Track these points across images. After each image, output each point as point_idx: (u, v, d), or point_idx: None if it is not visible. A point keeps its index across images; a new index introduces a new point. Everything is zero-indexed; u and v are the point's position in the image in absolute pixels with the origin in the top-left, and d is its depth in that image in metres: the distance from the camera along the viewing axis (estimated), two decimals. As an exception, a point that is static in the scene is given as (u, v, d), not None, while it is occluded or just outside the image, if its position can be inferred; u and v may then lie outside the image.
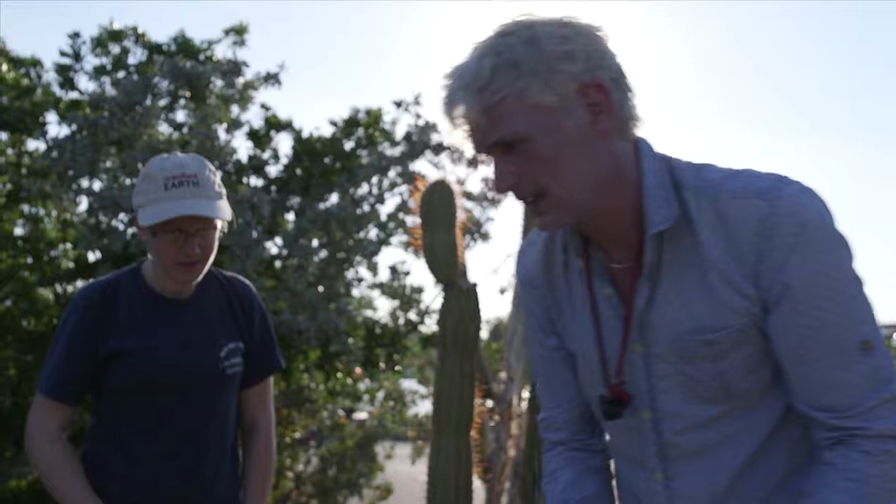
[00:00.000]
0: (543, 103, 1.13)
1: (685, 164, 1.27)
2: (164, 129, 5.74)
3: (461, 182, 6.11)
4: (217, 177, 2.06)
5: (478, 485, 4.01)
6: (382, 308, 6.55)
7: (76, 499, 2.03)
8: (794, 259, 1.18)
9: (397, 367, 6.32)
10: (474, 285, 3.21)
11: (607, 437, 1.46)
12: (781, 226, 1.18)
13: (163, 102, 5.74)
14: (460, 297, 2.96)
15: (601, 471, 1.49)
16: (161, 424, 2.06)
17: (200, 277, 2.07)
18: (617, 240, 1.26)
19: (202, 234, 2.01)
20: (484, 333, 6.68)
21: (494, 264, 5.10)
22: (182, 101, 5.93)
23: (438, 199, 2.96)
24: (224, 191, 2.07)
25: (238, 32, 6.26)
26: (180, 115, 6.02)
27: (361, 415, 6.60)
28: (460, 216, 3.12)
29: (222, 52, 6.31)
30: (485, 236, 5.58)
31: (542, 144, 1.15)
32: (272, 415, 2.29)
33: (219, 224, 2.06)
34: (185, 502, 2.11)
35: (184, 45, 6.23)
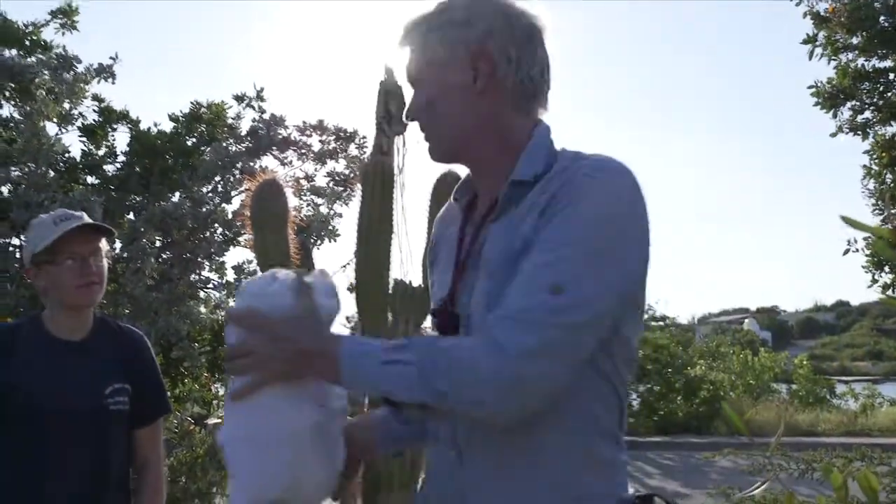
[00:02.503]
0: (436, 57, 1.43)
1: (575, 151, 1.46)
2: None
3: (309, 178, 6.01)
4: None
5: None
6: (234, 309, 6.33)
7: None
8: (562, 204, 1.34)
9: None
10: (309, 284, 3.14)
11: None
12: (577, 179, 1.35)
13: (-18, 97, 5.38)
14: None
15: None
16: (49, 457, 2.18)
17: (89, 322, 2.30)
18: (487, 190, 1.47)
19: (94, 257, 2.25)
20: (343, 331, 6.57)
21: (343, 261, 5.03)
22: (6, 95, 5.57)
23: (268, 198, 2.87)
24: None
25: (66, 15, 5.90)
26: (5, 111, 5.66)
27: (213, 421, 6.39)
28: (294, 214, 3.04)
29: (49, 36, 5.94)
30: (332, 234, 5.48)
31: (428, 89, 1.46)
32: (161, 454, 2.46)
33: (104, 247, 2.30)
34: None
35: (5, 30, 5.82)
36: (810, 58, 6.94)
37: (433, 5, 1.47)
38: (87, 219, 2.27)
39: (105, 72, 5.55)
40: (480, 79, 1.42)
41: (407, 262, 3.28)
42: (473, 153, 1.48)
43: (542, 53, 1.47)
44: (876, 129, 6.98)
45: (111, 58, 5.61)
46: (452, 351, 1.33)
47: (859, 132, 6.97)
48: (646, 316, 18.25)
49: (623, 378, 1.47)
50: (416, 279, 3.12)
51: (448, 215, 1.62)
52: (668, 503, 1.44)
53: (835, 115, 7.03)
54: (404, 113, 1.52)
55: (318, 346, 1.38)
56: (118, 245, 5.42)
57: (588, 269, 1.33)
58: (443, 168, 3.29)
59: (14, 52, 5.20)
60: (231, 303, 6.36)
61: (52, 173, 5.25)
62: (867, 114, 6.98)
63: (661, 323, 18.85)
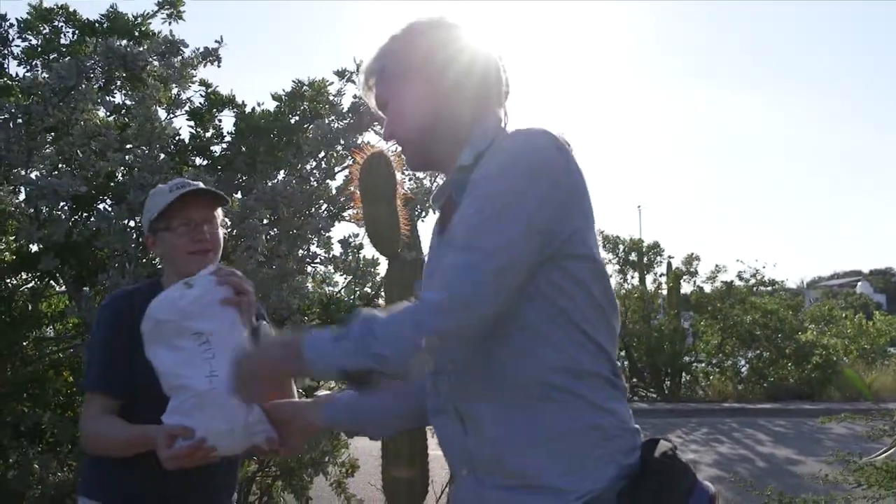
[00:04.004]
0: (389, 74, 1.75)
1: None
2: (101, 112, 5.57)
3: (411, 152, 6.03)
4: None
5: (440, 456, 4.01)
6: (341, 284, 6.45)
7: (129, 432, 2.22)
8: (480, 176, 1.52)
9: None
10: (418, 256, 3.17)
11: None
12: (501, 149, 1.54)
13: (97, 85, 5.57)
14: (405, 267, 2.92)
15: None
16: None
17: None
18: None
19: (209, 224, 2.36)
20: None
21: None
22: (118, 83, 5.76)
23: (377, 172, 2.91)
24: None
25: (172, 5, 6.07)
26: (118, 98, 5.85)
27: (324, 392, 6.52)
28: (401, 187, 3.06)
29: (157, 26, 6.13)
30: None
31: (391, 104, 1.76)
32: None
33: (219, 216, 2.41)
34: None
35: (116, 22, 6.03)
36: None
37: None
38: (202, 185, 2.37)
39: (211, 55, 5.68)
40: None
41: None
42: (437, 153, 1.79)
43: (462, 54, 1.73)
44: None
45: (216, 41, 5.74)
46: (387, 317, 1.51)
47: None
48: (752, 280, 17.74)
49: (595, 325, 1.53)
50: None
51: None
52: (673, 447, 1.56)
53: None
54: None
55: (285, 353, 1.67)
56: (228, 224, 5.57)
57: (487, 224, 1.46)
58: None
59: (125, 42, 5.37)
60: (337, 277, 6.47)
61: (163, 156, 5.42)
62: None
63: (769, 287, 18.29)
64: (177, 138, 5.79)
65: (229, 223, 5.51)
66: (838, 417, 6.40)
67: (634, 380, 17.74)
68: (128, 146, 5.29)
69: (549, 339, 1.49)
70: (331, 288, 6.70)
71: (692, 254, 18.32)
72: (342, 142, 5.67)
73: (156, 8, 6.04)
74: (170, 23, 6.05)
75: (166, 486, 2.30)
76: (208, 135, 6.04)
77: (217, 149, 6.06)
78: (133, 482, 2.31)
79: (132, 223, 5.05)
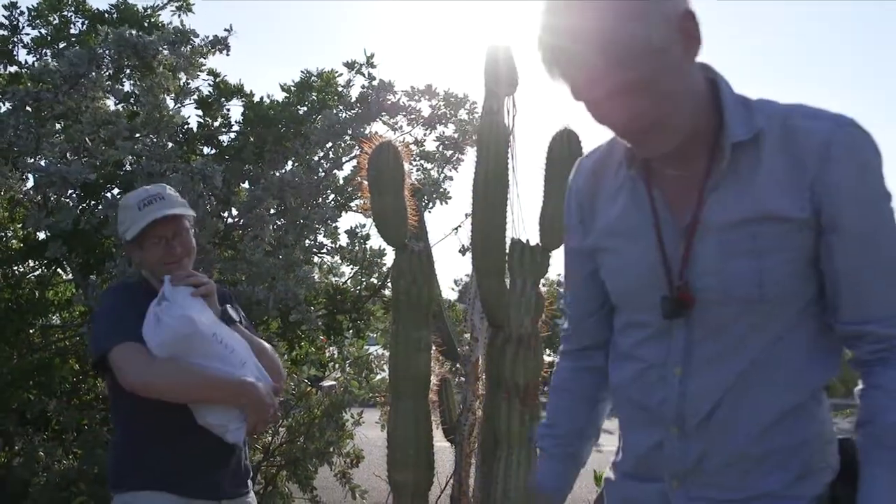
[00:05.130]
0: (657, 46, 1.22)
1: (756, 98, 1.40)
2: (110, 101, 5.58)
3: (419, 143, 6.03)
4: (177, 193, 2.59)
5: (447, 447, 4.01)
6: (347, 274, 6.46)
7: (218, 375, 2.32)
8: (850, 184, 1.31)
9: (361, 334, 6.26)
10: (426, 247, 3.17)
11: (620, 346, 1.56)
12: (841, 150, 1.30)
13: (108, 74, 5.58)
14: (412, 259, 2.92)
15: (594, 396, 1.69)
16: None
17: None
18: (681, 153, 1.37)
19: (178, 237, 2.48)
20: (451, 294, 6.63)
21: (454, 224, 5.04)
22: (127, 72, 5.76)
23: (385, 162, 2.91)
24: (185, 201, 2.60)
25: (182, -3, 6.08)
26: (126, 86, 5.86)
27: (328, 382, 6.54)
28: (409, 177, 3.06)
29: (166, 18, 6.14)
30: (444, 197, 5.49)
31: (662, 83, 1.25)
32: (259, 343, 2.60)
33: (188, 224, 2.53)
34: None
35: (126, 13, 6.04)
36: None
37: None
38: (167, 204, 2.49)
39: (220, 44, 5.67)
40: (695, 41, 1.29)
41: (520, 222, 3.28)
42: (696, 123, 1.37)
43: None
44: None
45: (226, 30, 5.73)
46: None
47: None
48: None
49: None
50: (533, 239, 3.11)
51: (601, 174, 1.54)
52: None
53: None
54: (631, 129, 1.32)
55: None
56: (234, 213, 5.58)
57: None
58: (556, 126, 3.26)
59: (134, 31, 5.37)
60: (344, 268, 6.48)
61: (171, 144, 5.42)
62: None
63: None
64: (185, 127, 5.79)
65: (236, 214, 5.52)
66: (844, 413, 6.41)
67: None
68: (136, 135, 5.29)
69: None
70: (337, 278, 6.71)
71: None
72: (350, 132, 5.67)
73: (166, 0, 6.05)
74: (179, 15, 6.06)
75: (203, 466, 2.40)
76: (216, 124, 6.04)
77: (225, 138, 6.07)
78: (171, 463, 2.38)
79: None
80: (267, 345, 2.60)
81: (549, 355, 4.54)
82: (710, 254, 1.37)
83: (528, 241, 3.06)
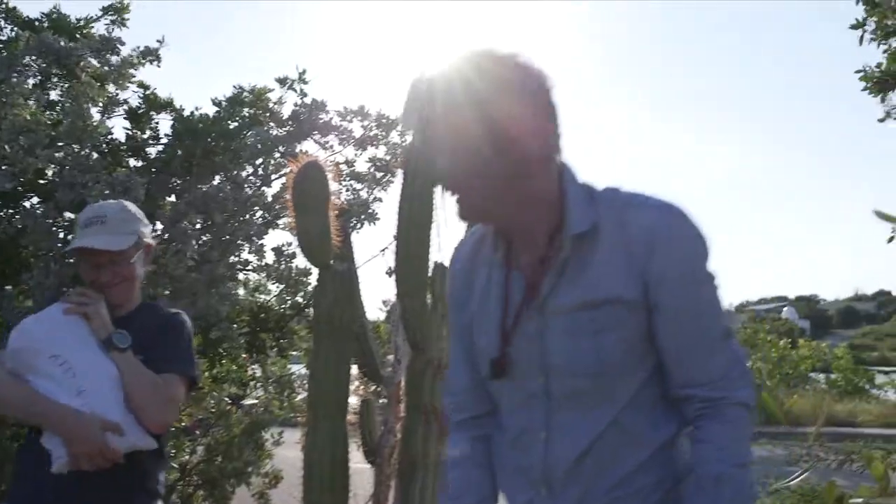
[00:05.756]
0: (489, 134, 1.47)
1: (602, 188, 1.59)
2: (32, 108, 5.45)
3: (350, 163, 6.03)
4: (132, 215, 2.57)
5: (367, 469, 3.99)
6: (273, 292, 6.40)
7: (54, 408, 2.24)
8: (671, 271, 1.49)
9: (284, 353, 6.21)
10: (350, 267, 3.17)
11: (498, 415, 1.73)
12: (664, 240, 1.49)
13: (33, 81, 5.45)
14: (335, 279, 2.91)
15: (493, 464, 1.77)
16: None
17: (128, 300, 2.57)
18: (531, 242, 1.58)
19: (112, 263, 2.47)
20: (380, 315, 6.62)
21: (381, 246, 5.05)
22: (54, 80, 5.64)
23: (311, 181, 2.90)
24: (137, 225, 2.57)
25: (118, 11, 5.97)
26: (53, 95, 5.74)
27: (250, 401, 6.46)
28: (335, 197, 3.06)
29: (100, 30, 6.02)
30: (372, 218, 5.50)
31: (488, 171, 1.48)
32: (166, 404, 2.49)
33: (132, 253, 2.52)
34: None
35: (58, 22, 5.91)
36: (860, 43, 6.86)
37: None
38: (105, 229, 2.48)
39: (151, 54, 5.60)
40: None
41: (445, 244, 3.30)
42: (530, 217, 1.57)
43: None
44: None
45: (157, 41, 5.67)
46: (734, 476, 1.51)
47: (906, 118, 6.89)
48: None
49: None
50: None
51: (475, 258, 1.72)
52: None
53: (883, 100, 6.96)
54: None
55: None
56: (159, 226, 5.49)
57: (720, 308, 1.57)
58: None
59: (59, 39, 5.27)
60: (270, 286, 6.41)
61: (95, 155, 5.32)
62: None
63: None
64: (110, 138, 5.68)
65: (160, 228, 5.43)
66: (757, 442, 6.55)
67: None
68: (59, 143, 5.18)
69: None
70: (264, 296, 6.64)
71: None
72: (281, 149, 5.64)
73: (100, 13, 5.94)
74: (112, 29, 5.95)
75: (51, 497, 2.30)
76: (145, 136, 5.94)
77: (153, 151, 5.97)
78: (33, 488, 2.30)
79: (59, 222, 4.94)
80: (155, 380, 2.43)
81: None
82: (557, 334, 1.55)
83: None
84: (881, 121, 6.97)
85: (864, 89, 6.91)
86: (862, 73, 6.97)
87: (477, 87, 1.44)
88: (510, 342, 1.59)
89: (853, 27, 6.86)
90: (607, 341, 1.51)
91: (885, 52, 6.87)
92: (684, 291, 1.51)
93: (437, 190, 3.25)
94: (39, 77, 5.45)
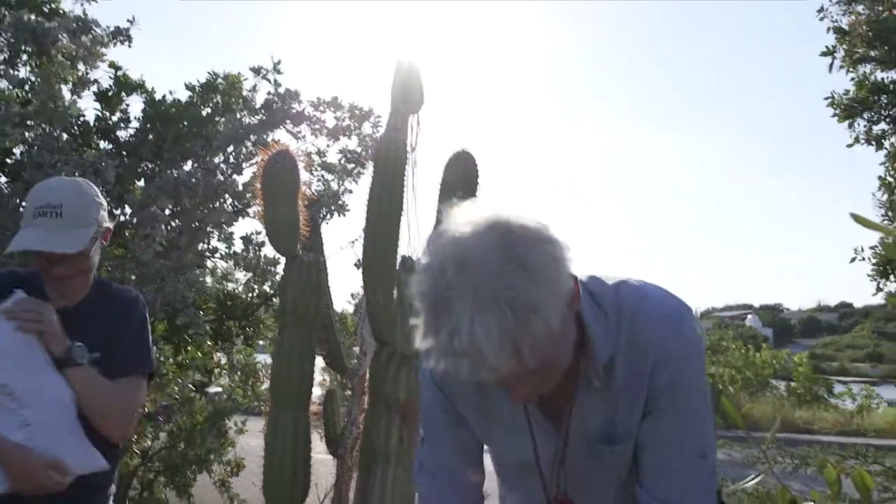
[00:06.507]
0: (555, 331, 1.20)
1: (602, 288, 1.48)
2: (3, 84, 5.38)
3: (321, 153, 6.02)
4: (90, 199, 2.24)
5: (328, 460, 4.00)
6: (241, 280, 6.37)
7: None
8: (671, 376, 1.45)
9: (250, 341, 6.19)
10: (318, 258, 3.17)
11: (505, 479, 1.75)
12: (671, 352, 1.44)
13: (2, 57, 5.39)
14: (301, 269, 2.92)
15: None
16: None
17: (83, 291, 2.28)
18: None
19: (65, 262, 2.18)
20: (348, 307, 6.62)
21: (351, 237, 5.05)
22: (24, 58, 5.58)
23: (280, 170, 2.91)
24: (96, 212, 2.23)
25: (87, -10, 5.91)
26: (23, 72, 5.67)
27: (214, 389, 6.44)
28: (307, 188, 3.06)
29: (68, 6, 5.96)
30: (342, 209, 5.50)
31: (556, 362, 1.32)
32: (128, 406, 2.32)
33: (91, 248, 2.22)
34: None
35: (28, -1, 5.84)
36: (830, 70, 6.97)
37: (496, 293, 1.15)
38: (59, 225, 2.18)
39: (122, 34, 5.56)
40: (576, 300, 1.32)
41: (415, 239, 3.31)
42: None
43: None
44: (892, 140, 7.02)
45: (128, 20, 5.62)
46: None
47: (874, 143, 7.00)
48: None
49: None
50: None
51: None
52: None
53: (851, 126, 7.07)
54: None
55: None
56: (128, 211, 5.45)
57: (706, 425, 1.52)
58: (454, 147, 3.32)
59: (33, 16, 5.21)
60: (238, 274, 6.39)
61: (65, 136, 5.27)
62: (883, 125, 7.01)
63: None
64: (80, 119, 5.63)
65: (129, 212, 5.40)
66: (716, 444, 6.61)
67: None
68: (28, 122, 5.13)
69: None
70: (232, 285, 6.62)
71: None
72: (253, 138, 5.62)
73: (70, -10, 5.90)
74: (81, 4, 5.89)
75: None
76: (115, 118, 5.89)
77: (123, 134, 5.93)
78: None
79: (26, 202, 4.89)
80: (115, 390, 2.27)
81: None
82: (576, 458, 1.54)
83: (419, 258, 3.09)
84: (849, 146, 7.08)
85: (833, 115, 7.02)
86: (830, 100, 7.09)
87: (518, 292, 1.15)
88: (559, 486, 1.59)
89: (823, 54, 6.99)
90: (625, 461, 1.54)
91: (852, 79, 7.00)
92: (672, 395, 1.47)
93: (407, 182, 3.26)
94: (8, 53, 5.38)
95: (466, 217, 1.24)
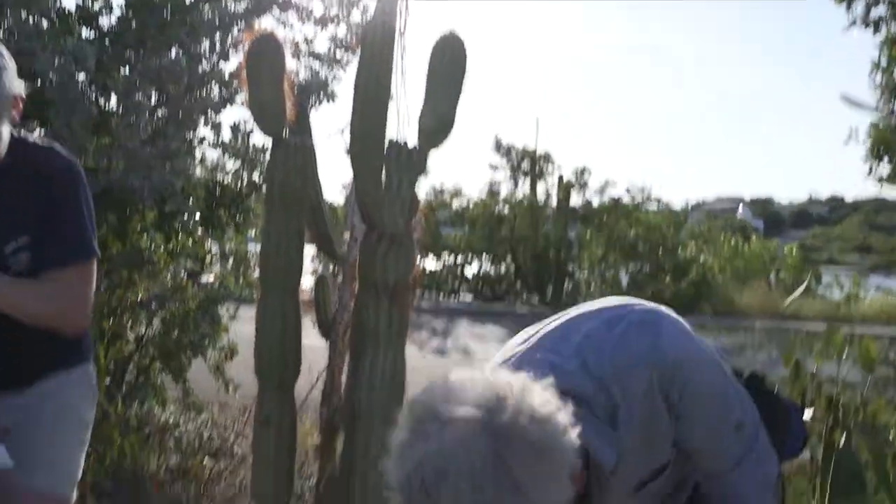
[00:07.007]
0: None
1: (596, 358, 1.45)
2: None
3: (309, 41, 5.91)
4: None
5: (322, 347, 4.06)
6: (230, 169, 6.36)
7: None
8: (684, 387, 1.47)
9: (241, 229, 6.22)
10: (305, 141, 3.15)
11: None
12: (670, 380, 1.45)
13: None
14: (288, 151, 2.91)
15: None
16: None
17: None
18: None
19: None
20: (337, 196, 6.63)
21: (340, 125, 5.01)
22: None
23: (264, 53, 2.86)
24: (9, 80, 2.05)
25: None
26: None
27: (207, 277, 6.49)
28: (293, 74, 3.02)
29: None
30: (331, 96, 5.44)
31: None
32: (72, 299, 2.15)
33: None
34: None
35: None
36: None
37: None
38: None
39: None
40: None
41: (403, 125, 3.29)
42: None
43: None
44: (890, 24, 6.96)
45: None
46: None
47: (871, 26, 6.94)
48: (640, 196, 18.25)
49: None
50: (412, 142, 3.12)
51: None
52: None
53: (849, 8, 6.99)
54: None
55: None
56: (114, 99, 5.38)
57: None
58: (442, 30, 3.26)
59: None
60: (228, 162, 6.35)
61: (45, 22, 5.16)
62: (881, 8, 6.93)
63: (655, 204, 18.92)
64: (60, 6, 5.50)
65: (114, 100, 5.33)
66: (706, 331, 6.77)
67: (518, 284, 18.49)
68: (6, 8, 5.01)
69: None
70: (222, 174, 6.58)
71: (583, 167, 18.84)
72: (239, 24, 5.51)
73: None
74: None
75: None
76: (97, 5, 5.75)
77: (106, 21, 5.79)
78: None
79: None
80: (51, 293, 2.08)
81: (422, 257, 4.62)
82: None
83: (405, 142, 3.07)
84: (846, 29, 6.99)
85: (831, -3, 6.94)
86: (829, -19, 6.98)
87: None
88: None
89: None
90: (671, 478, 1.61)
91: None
92: (690, 401, 1.51)
93: (396, 67, 3.22)
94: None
95: (459, 405, 1.05)
